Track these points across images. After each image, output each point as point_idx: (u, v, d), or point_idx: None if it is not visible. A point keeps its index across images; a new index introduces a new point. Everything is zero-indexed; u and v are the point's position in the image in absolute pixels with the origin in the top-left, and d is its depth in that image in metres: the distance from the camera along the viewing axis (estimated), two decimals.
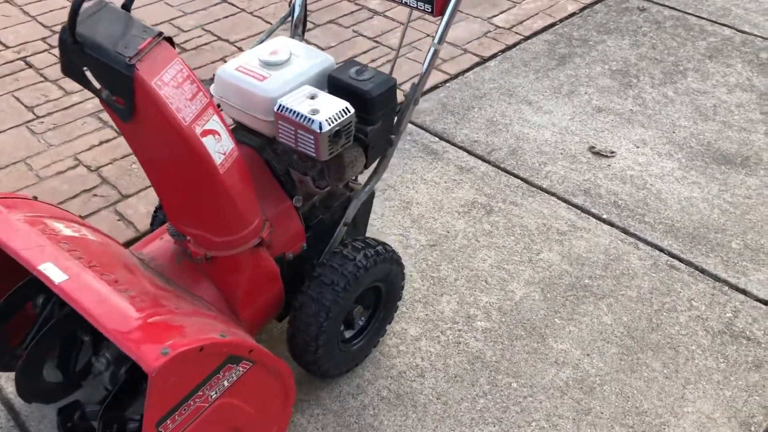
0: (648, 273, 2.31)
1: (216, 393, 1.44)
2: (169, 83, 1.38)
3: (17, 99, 3.04)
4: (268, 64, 1.70)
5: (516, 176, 2.70)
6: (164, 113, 1.37)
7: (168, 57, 1.40)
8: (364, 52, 3.40)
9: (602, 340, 2.10)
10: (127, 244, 2.14)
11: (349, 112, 1.60)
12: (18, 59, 3.30)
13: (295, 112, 1.58)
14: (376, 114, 1.70)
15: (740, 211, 2.55)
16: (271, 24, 1.80)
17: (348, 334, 1.95)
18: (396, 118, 1.80)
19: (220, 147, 1.47)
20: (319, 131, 1.56)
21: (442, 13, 1.77)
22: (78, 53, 1.33)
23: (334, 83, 1.71)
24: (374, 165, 1.87)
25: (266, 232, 1.63)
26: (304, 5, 2.02)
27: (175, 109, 1.38)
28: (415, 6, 1.79)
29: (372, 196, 2.03)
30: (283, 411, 1.62)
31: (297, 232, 1.81)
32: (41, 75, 3.20)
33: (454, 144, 2.86)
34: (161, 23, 3.61)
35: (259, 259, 1.68)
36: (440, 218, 2.50)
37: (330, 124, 1.56)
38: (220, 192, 1.49)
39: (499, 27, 3.66)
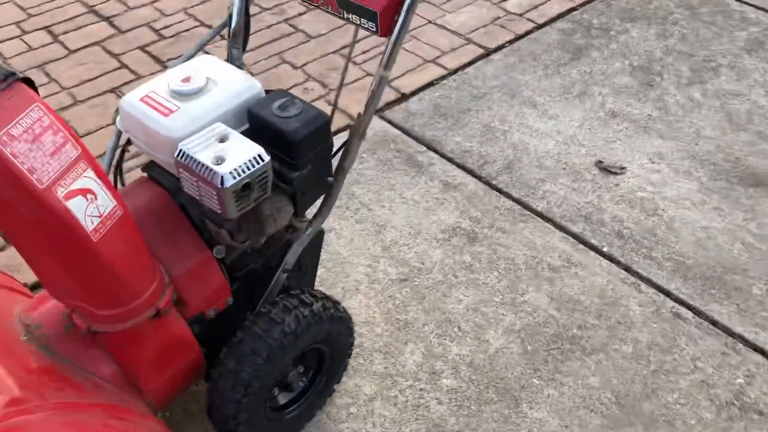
0: (648, 323, 1.99)
1: None
2: (20, 137, 1.12)
3: None
4: (178, 94, 1.41)
5: (508, 196, 2.38)
6: (12, 177, 1.10)
7: (21, 104, 1.13)
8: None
9: (585, 408, 1.80)
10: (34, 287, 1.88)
11: (262, 160, 1.32)
12: None
13: (195, 160, 1.30)
14: (302, 158, 1.41)
15: (767, 247, 2.20)
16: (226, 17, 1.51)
17: (284, 398, 1.69)
18: (337, 157, 1.51)
19: (93, 209, 1.20)
20: (220, 186, 1.28)
21: (388, 34, 1.45)
22: None
23: (254, 120, 1.43)
24: (319, 202, 1.59)
25: (165, 301, 1.37)
26: (245, 12, 1.71)
27: (28, 170, 1.12)
28: (359, 23, 1.47)
29: (320, 234, 1.75)
30: None
31: (219, 286, 1.54)
32: None
33: (442, 155, 2.55)
34: (141, 6, 3.33)
35: (163, 327, 1.42)
36: (416, 246, 2.21)
37: (235, 177, 1.28)
38: (95, 262, 1.23)
39: (510, 12, 3.29)
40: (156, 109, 1.40)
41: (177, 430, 1.60)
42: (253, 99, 1.45)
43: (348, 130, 1.58)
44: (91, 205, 1.20)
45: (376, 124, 2.65)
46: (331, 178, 1.52)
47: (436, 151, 2.56)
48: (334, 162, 1.55)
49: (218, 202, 1.31)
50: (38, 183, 1.13)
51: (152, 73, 2.87)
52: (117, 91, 2.82)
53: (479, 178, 2.45)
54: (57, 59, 2.99)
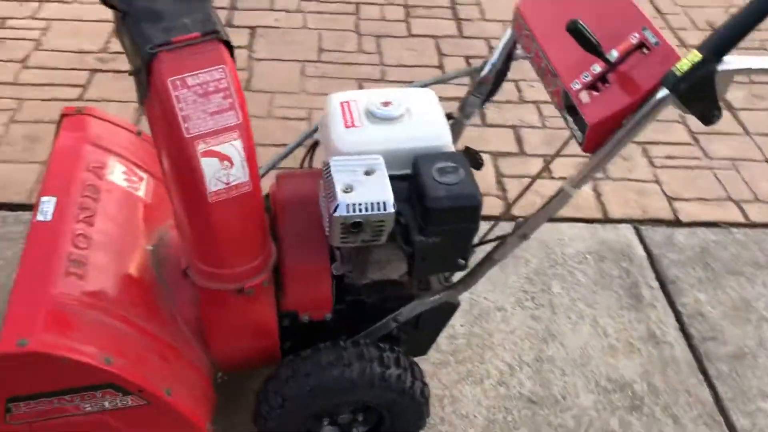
0: None
1: (91, 408, 1.33)
2: (192, 87, 1.22)
3: None
4: (370, 113, 1.42)
5: (711, 389, 1.96)
6: (168, 115, 1.22)
7: (210, 60, 1.23)
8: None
9: None
10: None
11: (385, 209, 1.26)
12: None
13: (330, 178, 1.30)
14: (433, 227, 1.32)
15: None
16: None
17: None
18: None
19: (223, 175, 1.27)
20: (332, 212, 1.26)
21: (593, 150, 1.26)
22: (119, 18, 1.24)
23: (414, 170, 1.37)
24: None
25: (253, 283, 1.41)
26: (503, 70, 1.63)
27: (182, 117, 1.22)
28: (570, 127, 1.31)
29: (451, 307, 1.64)
30: None
31: (322, 297, 1.53)
32: None
33: (671, 302, 2.18)
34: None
35: (247, 303, 1.46)
36: (571, 377, 1.95)
37: (349, 211, 1.25)
38: (203, 220, 1.31)
39: None
40: (344, 116, 1.42)
41: (229, 402, 1.64)
42: (432, 149, 1.39)
43: (514, 224, 1.43)
44: (222, 171, 1.27)
45: (626, 233, 2.37)
46: (463, 261, 1.40)
47: (667, 296, 2.21)
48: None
49: (328, 224, 1.30)
50: (185, 131, 1.23)
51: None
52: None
53: (693, 350, 2.06)
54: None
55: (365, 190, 1.27)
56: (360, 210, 1.25)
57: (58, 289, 1.31)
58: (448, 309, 1.65)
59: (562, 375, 1.96)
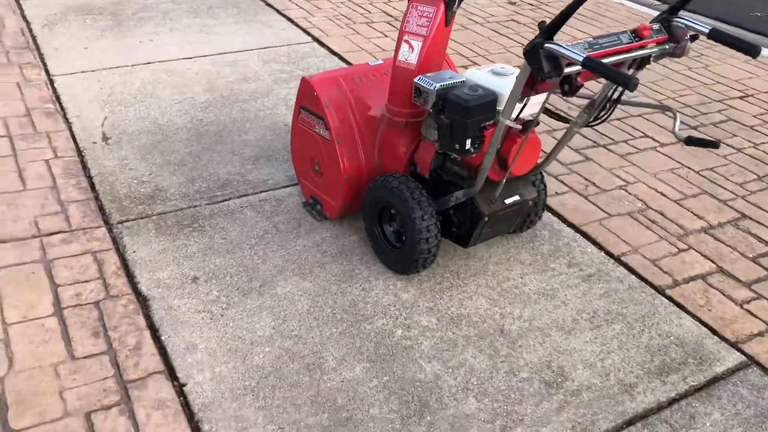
0: None
1: (318, 130, 2.91)
2: (417, 9, 2.66)
3: None
4: (492, 71, 2.55)
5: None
6: (404, 17, 2.69)
7: (430, 3, 2.65)
8: None
9: None
10: None
11: (430, 87, 2.43)
12: None
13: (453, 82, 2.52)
14: (447, 111, 2.40)
15: None
16: None
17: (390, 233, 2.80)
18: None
19: (407, 54, 2.67)
20: (431, 89, 2.48)
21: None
22: None
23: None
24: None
25: (396, 119, 2.73)
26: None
27: (406, 20, 2.67)
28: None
29: (477, 216, 2.57)
30: (341, 194, 2.89)
31: (426, 161, 2.72)
32: None
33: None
34: None
35: (395, 132, 2.79)
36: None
37: (436, 86, 2.45)
38: (391, 74, 2.72)
39: None
40: (479, 70, 2.59)
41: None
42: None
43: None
44: (407, 53, 2.66)
45: None
46: (458, 147, 2.39)
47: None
48: None
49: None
50: (404, 26, 2.68)
51: None
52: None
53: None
54: None
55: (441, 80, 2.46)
56: (443, 85, 2.44)
57: (344, 77, 2.91)
58: (477, 215, 2.58)
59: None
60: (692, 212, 3.36)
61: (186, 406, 2.16)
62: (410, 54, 2.64)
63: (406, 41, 2.64)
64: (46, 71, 4.32)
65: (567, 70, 1.98)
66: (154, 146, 3.59)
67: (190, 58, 4.68)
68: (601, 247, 3.05)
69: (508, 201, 2.62)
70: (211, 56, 4.72)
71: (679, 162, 3.81)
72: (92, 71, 4.38)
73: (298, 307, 2.58)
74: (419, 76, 2.51)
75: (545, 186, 2.89)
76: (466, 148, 2.40)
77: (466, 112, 2.33)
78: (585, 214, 3.27)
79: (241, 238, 2.93)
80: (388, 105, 2.77)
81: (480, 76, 2.47)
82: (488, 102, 2.35)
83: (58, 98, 4.00)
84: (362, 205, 2.83)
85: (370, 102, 2.91)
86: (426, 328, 2.52)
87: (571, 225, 3.19)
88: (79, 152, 3.48)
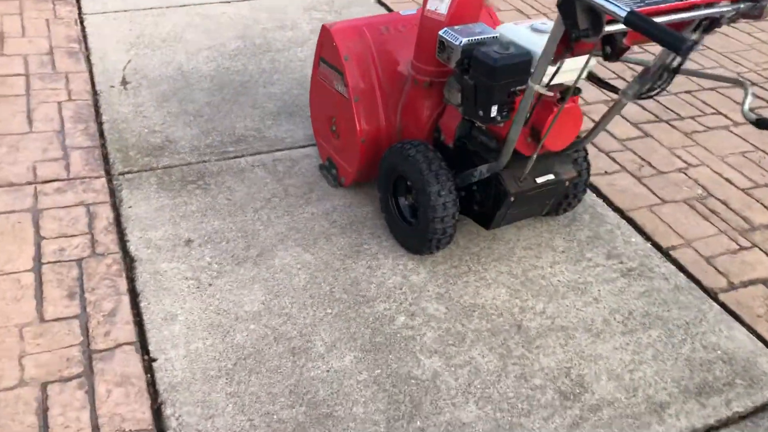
0: None
1: (337, 85, 2.62)
2: None
3: None
4: (532, 28, 2.19)
5: None
6: None
7: None
8: None
9: None
10: None
11: (456, 42, 2.10)
12: None
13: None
14: (471, 70, 2.06)
15: None
16: None
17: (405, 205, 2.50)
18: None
19: (437, 3, 2.31)
20: (456, 43, 2.14)
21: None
22: None
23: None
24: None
25: (420, 78, 2.41)
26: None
27: None
28: None
29: (503, 195, 2.24)
30: (356, 158, 2.60)
31: (451, 128, 2.40)
32: None
33: None
34: None
35: (419, 92, 2.46)
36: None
37: (462, 42, 2.12)
38: (419, 26, 2.38)
39: None
40: (518, 25, 2.22)
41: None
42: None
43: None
44: (438, 1, 2.31)
45: None
46: (481, 113, 2.06)
47: None
48: None
49: None
50: None
51: None
52: None
53: None
54: None
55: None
56: (471, 40, 2.11)
57: (369, 27, 2.59)
58: (502, 194, 2.25)
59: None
60: (762, 204, 2.93)
61: (152, 384, 1.95)
62: (440, 3, 2.30)
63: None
64: (79, 8, 4.14)
65: (608, 28, 1.62)
66: (173, 93, 3.37)
67: (228, 1, 4.41)
68: (648, 238, 2.68)
69: (539, 180, 2.28)
70: (249, 0, 4.45)
71: (753, 145, 3.34)
72: (125, 11, 4.18)
73: (294, 281, 2.33)
74: (445, 29, 2.17)
75: (589, 164, 2.53)
76: (492, 115, 2.06)
77: (493, 73, 1.99)
78: (635, 197, 2.89)
79: (246, 200, 2.69)
80: (413, 61, 2.45)
81: (516, 31, 2.11)
82: (520, 63, 2.00)
83: (85, 38, 3.81)
84: (378, 173, 2.54)
85: (396, 57, 2.59)
86: (432, 317, 2.24)
87: (617, 209, 2.81)
88: (95, 96, 3.29)
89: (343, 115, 2.62)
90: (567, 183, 2.36)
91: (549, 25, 2.11)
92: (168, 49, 3.77)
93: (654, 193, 2.93)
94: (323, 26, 2.60)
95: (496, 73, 1.98)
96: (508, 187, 2.23)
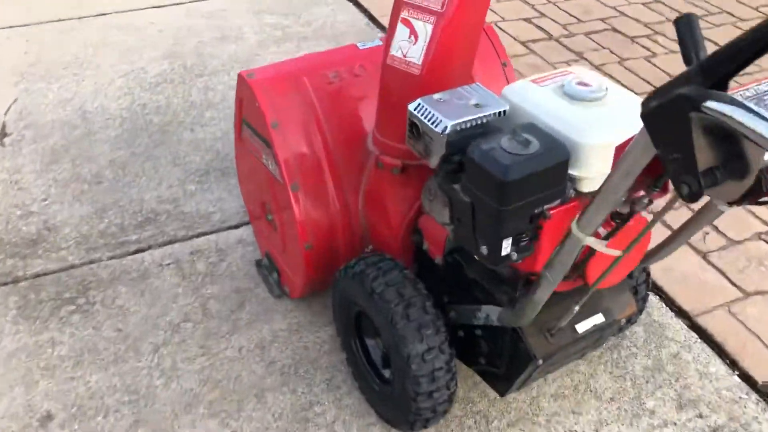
0: None
1: (264, 158, 1.74)
2: None
3: None
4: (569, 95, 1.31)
5: None
6: None
7: None
8: None
9: None
10: None
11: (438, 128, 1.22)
12: None
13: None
14: (466, 178, 1.20)
15: None
16: None
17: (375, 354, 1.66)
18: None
19: (405, 46, 1.44)
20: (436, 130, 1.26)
21: None
22: None
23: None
24: None
25: (386, 161, 1.54)
26: None
27: None
28: None
29: (525, 359, 1.40)
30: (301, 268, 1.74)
31: (438, 238, 1.54)
32: None
33: None
34: None
35: (389, 188, 1.60)
36: None
37: (448, 127, 1.25)
38: (381, 81, 1.51)
39: None
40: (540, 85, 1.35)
41: None
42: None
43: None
44: (406, 42, 1.43)
45: None
46: (485, 251, 1.20)
47: None
48: None
49: None
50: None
51: None
52: None
53: None
54: None
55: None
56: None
57: (310, 74, 1.71)
58: (523, 356, 1.40)
59: None
60: None
61: None
62: (411, 45, 1.42)
63: (405, 21, 1.43)
64: None
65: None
66: (66, 149, 2.50)
67: (160, 6, 3.50)
68: (733, 363, 1.83)
69: (582, 328, 1.43)
70: (186, 4, 3.54)
71: None
72: (22, 26, 3.28)
73: None
74: (417, 101, 1.30)
75: (649, 285, 1.68)
76: (503, 254, 1.20)
77: (504, 192, 1.12)
78: (703, 290, 2.04)
79: (144, 330, 1.84)
80: (375, 133, 1.58)
81: (538, 100, 1.25)
82: (550, 168, 1.13)
83: None
84: (332, 299, 1.70)
85: (354, 117, 1.72)
86: None
87: (681, 313, 1.97)
88: None
89: (278, 204, 1.76)
90: (623, 322, 1.50)
91: (596, 82, 1.24)
92: (70, 80, 2.89)
93: (729, 280, 2.08)
94: (240, 75, 1.73)
95: (509, 192, 1.12)
96: (532, 347, 1.37)
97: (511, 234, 1.17)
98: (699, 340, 1.89)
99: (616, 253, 1.10)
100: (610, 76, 3.03)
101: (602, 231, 1.12)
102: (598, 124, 1.19)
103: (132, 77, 2.92)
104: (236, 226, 2.19)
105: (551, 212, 1.18)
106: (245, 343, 1.82)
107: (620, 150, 1.13)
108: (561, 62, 3.15)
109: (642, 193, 0.97)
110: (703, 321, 1.94)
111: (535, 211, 1.17)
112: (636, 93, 1.43)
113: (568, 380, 1.76)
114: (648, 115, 0.75)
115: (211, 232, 2.17)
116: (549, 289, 1.16)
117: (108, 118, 2.67)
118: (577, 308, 1.29)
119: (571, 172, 1.17)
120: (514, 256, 1.20)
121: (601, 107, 1.23)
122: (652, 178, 0.90)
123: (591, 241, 1.01)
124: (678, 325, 1.93)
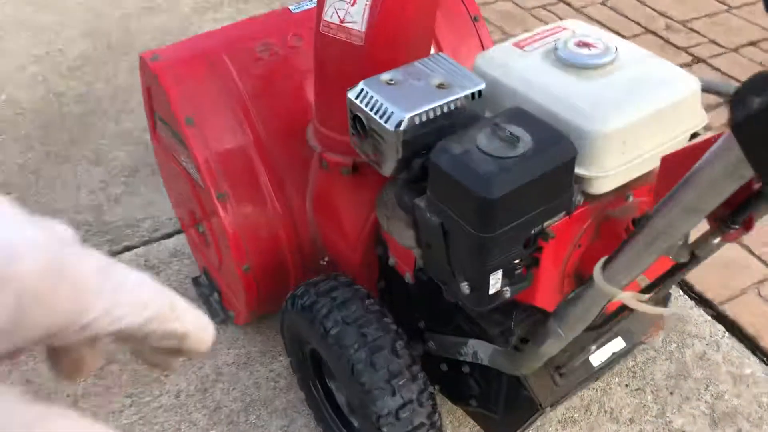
0: None
1: (184, 160, 1.40)
2: None
3: None
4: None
5: None
6: None
7: None
8: None
9: None
10: None
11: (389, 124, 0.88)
12: None
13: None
14: (431, 191, 0.86)
15: None
16: None
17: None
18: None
19: (344, 7, 1.07)
20: (388, 127, 0.94)
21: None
22: None
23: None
24: None
25: (329, 158, 1.19)
26: None
27: None
28: None
29: (528, 407, 1.08)
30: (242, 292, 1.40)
31: (409, 260, 1.20)
32: None
33: None
34: None
35: (342, 191, 1.26)
36: None
37: (403, 121, 0.91)
38: (315, 55, 1.15)
39: None
40: (525, 50, 1.00)
41: None
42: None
43: None
44: (343, 2, 1.08)
45: None
46: (467, 289, 0.87)
47: None
48: None
49: None
50: None
51: None
52: None
53: None
54: None
55: None
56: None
57: (231, 51, 1.35)
58: (526, 405, 1.08)
59: None
60: None
61: None
62: (349, 6, 1.06)
63: None
64: None
65: None
66: None
67: None
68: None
69: (598, 360, 1.10)
70: None
71: None
72: None
73: None
74: (361, 84, 0.94)
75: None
76: (490, 292, 0.86)
77: (485, 214, 0.78)
78: (726, 269, 1.73)
79: (54, 384, 1.50)
80: (315, 124, 1.23)
81: (525, 72, 0.90)
82: (549, 174, 0.79)
83: None
84: (280, 331, 1.36)
85: (292, 100, 1.37)
86: None
87: (701, 300, 1.66)
88: None
89: (206, 214, 1.41)
90: (644, 341, 1.19)
91: (603, 42, 0.90)
92: None
93: (756, 256, 1.77)
94: (141, 58, 1.37)
95: (494, 214, 0.78)
96: (538, 393, 1.05)
97: (501, 266, 0.84)
98: (727, 335, 1.58)
99: (659, 310, 0.77)
100: (599, 23, 2.67)
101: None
102: (612, 101, 0.85)
103: (48, 61, 2.52)
104: (169, 235, 1.84)
105: (554, 230, 0.84)
106: (184, 385, 1.49)
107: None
108: (538, 6, 2.78)
109: (710, 229, 0.64)
110: (730, 309, 1.64)
111: (533, 231, 0.83)
112: (628, 40, 1.09)
113: (578, 401, 1.45)
114: (746, 122, 0.42)
115: (141, 244, 1.82)
116: (559, 346, 0.84)
117: (18, 112, 2.28)
118: (594, 347, 0.97)
119: (578, 171, 0.84)
120: (507, 293, 0.87)
121: (611, 76, 0.89)
122: (727, 210, 0.58)
123: (625, 298, 0.68)
124: (701, 317, 1.62)
